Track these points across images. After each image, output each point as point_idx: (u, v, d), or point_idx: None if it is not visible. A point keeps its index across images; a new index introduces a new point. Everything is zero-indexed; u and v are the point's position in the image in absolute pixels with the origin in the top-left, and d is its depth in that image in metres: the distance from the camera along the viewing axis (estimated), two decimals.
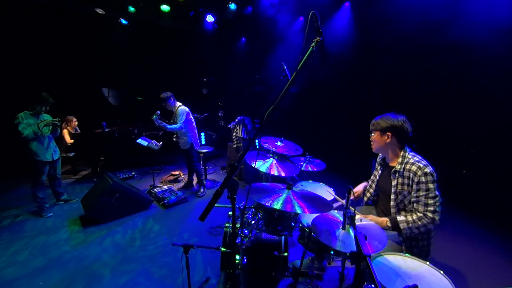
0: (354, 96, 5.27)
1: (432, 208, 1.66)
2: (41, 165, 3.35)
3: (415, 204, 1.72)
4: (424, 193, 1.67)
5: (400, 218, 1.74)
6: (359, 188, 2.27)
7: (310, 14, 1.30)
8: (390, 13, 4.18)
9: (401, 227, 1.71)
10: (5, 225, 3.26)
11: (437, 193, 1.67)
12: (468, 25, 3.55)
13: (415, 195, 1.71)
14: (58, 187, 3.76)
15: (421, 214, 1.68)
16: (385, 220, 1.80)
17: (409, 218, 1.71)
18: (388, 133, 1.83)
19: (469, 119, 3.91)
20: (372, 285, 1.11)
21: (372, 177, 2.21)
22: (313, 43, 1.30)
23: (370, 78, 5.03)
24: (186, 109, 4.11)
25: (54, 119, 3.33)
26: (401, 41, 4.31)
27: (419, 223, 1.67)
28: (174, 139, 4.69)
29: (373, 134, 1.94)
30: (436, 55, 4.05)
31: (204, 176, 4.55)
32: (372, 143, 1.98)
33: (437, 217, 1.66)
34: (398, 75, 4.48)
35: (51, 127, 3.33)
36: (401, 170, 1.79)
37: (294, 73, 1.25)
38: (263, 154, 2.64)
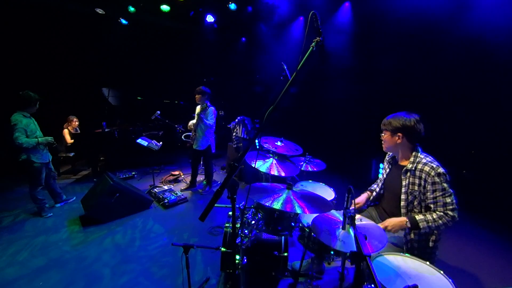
0: (354, 96, 5.27)
1: (451, 207, 1.66)
2: (40, 167, 3.34)
3: (433, 205, 1.71)
4: (441, 193, 1.67)
5: (419, 217, 1.71)
6: (361, 199, 2.22)
7: (310, 14, 1.29)
8: (391, 13, 4.18)
9: (421, 226, 1.69)
10: (5, 225, 3.25)
11: (452, 191, 1.68)
12: (468, 27, 3.55)
13: (431, 196, 1.70)
14: (55, 186, 3.72)
15: (442, 213, 1.67)
16: (404, 220, 1.75)
17: (429, 217, 1.69)
18: (399, 134, 1.81)
19: (469, 119, 3.91)
20: (372, 285, 1.11)
21: (380, 176, 2.19)
22: (313, 43, 1.30)
23: (371, 77, 5.03)
24: (214, 110, 4.15)
25: (50, 139, 3.34)
26: (401, 41, 4.31)
27: (440, 221, 1.66)
28: (183, 138, 4.66)
29: (383, 134, 1.92)
30: (437, 55, 4.06)
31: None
32: (382, 142, 1.96)
33: (456, 215, 1.67)
34: (398, 74, 4.49)
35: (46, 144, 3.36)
36: (413, 169, 1.77)
37: (294, 73, 1.25)
38: (263, 154, 2.64)
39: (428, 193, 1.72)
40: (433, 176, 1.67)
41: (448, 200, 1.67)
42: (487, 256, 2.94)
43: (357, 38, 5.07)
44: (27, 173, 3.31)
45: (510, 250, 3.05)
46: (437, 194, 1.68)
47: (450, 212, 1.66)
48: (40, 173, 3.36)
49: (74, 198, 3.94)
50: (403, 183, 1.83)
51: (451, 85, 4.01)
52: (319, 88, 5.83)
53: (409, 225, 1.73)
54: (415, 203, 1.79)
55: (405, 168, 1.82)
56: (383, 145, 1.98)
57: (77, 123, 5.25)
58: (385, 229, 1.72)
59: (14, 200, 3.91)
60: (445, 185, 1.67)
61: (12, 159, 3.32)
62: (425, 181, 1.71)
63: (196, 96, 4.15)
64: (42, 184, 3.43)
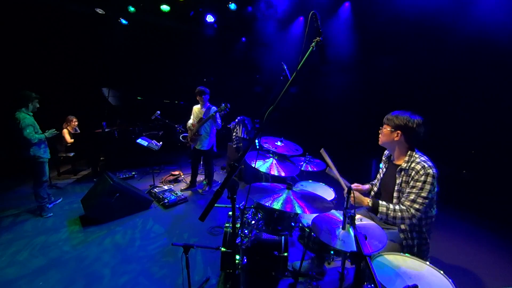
0: (354, 96, 5.27)
1: (417, 206, 1.66)
2: (45, 164, 3.41)
3: (402, 198, 1.74)
4: (416, 190, 1.68)
5: (382, 202, 1.76)
6: (363, 186, 2.26)
7: (310, 14, 1.29)
8: (391, 13, 4.18)
9: (379, 210, 1.73)
10: (5, 225, 3.25)
11: (430, 196, 1.65)
12: (469, 26, 3.55)
13: (408, 190, 1.73)
14: (48, 188, 3.73)
15: (404, 208, 1.69)
16: (367, 200, 1.81)
17: (391, 206, 1.73)
18: (398, 132, 1.81)
19: (469, 119, 3.91)
20: (372, 285, 1.12)
21: (377, 175, 2.19)
22: (313, 43, 1.30)
23: (370, 77, 5.03)
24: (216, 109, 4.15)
25: (53, 131, 3.44)
26: (401, 41, 4.32)
27: (399, 214, 1.68)
28: (181, 138, 4.67)
29: (383, 127, 1.92)
30: (437, 55, 4.06)
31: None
32: (380, 135, 1.95)
33: (417, 216, 1.66)
34: (398, 74, 4.49)
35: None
36: (407, 168, 1.78)
37: (294, 73, 1.25)
38: (263, 154, 2.64)
39: (407, 188, 1.74)
40: (420, 175, 1.68)
41: (419, 200, 1.66)
42: (487, 256, 2.94)
43: (357, 38, 5.07)
44: (33, 170, 3.35)
45: (510, 250, 3.05)
46: (413, 190, 1.69)
47: (412, 210, 1.67)
48: (45, 169, 3.41)
49: (61, 199, 3.95)
50: (397, 181, 1.84)
51: (452, 84, 4.01)
52: (319, 88, 5.83)
53: (370, 204, 1.78)
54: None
55: (399, 167, 1.83)
56: (379, 139, 1.97)
57: (76, 123, 5.25)
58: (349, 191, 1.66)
59: (15, 200, 3.91)
60: (427, 186, 1.65)
61: (14, 158, 3.35)
62: (411, 177, 1.73)
63: (199, 97, 4.14)
64: (47, 181, 3.48)
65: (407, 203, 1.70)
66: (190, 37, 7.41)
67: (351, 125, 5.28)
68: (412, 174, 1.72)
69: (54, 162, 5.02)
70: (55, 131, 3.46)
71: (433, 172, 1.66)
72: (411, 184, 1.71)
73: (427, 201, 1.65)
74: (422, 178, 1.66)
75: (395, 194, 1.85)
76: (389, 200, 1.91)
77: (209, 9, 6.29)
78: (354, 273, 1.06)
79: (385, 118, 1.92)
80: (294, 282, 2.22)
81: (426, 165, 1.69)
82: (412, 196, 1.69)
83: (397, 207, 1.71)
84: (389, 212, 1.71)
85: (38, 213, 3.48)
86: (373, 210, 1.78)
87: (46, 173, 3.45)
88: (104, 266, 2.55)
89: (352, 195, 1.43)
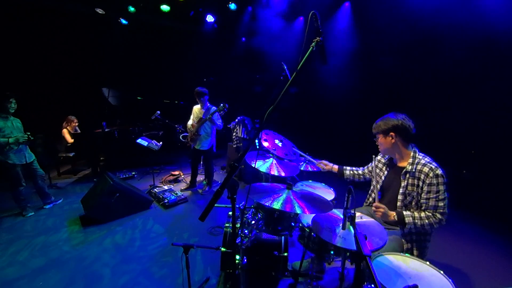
0: (354, 96, 5.27)
1: (441, 210, 1.68)
2: (15, 168, 3.31)
3: (424, 205, 1.73)
4: (434, 195, 1.68)
5: (406, 212, 1.74)
6: (331, 164, 2.37)
7: (310, 14, 1.29)
8: (391, 13, 4.18)
9: (406, 221, 1.71)
10: (5, 225, 3.25)
11: (446, 195, 1.69)
12: (469, 25, 3.55)
13: (425, 196, 1.72)
14: (43, 186, 3.69)
15: (430, 214, 1.69)
16: (392, 214, 1.77)
17: (416, 214, 1.71)
18: (392, 134, 1.84)
19: (469, 119, 3.91)
20: (372, 285, 1.11)
21: (377, 177, 2.17)
22: (313, 43, 1.29)
23: (370, 78, 5.03)
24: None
25: (24, 136, 3.26)
26: (401, 41, 4.31)
27: (426, 221, 1.68)
28: (181, 138, 4.67)
29: (377, 138, 1.95)
30: (437, 55, 4.05)
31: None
32: (378, 146, 1.98)
33: (444, 219, 1.68)
34: (398, 75, 4.49)
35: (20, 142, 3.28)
36: (413, 170, 1.78)
37: (294, 73, 1.25)
38: (263, 154, 2.64)
39: (423, 194, 1.73)
40: (431, 177, 1.68)
41: (441, 204, 1.68)
42: (487, 256, 2.94)
43: (357, 38, 5.07)
44: (6, 173, 3.31)
45: (510, 250, 3.05)
46: (431, 196, 1.70)
47: (438, 215, 1.68)
48: (16, 174, 3.34)
49: (62, 199, 3.94)
50: (402, 184, 1.83)
51: (452, 84, 4.01)
52: (319, 88, 5.82)
53: (396, 218, 1.75)
54: (413, 203, 1.80)
55: (404, 169, 1.82)
56: (379, 149, 1.99)
57: (76, 124, 5.25)
58: (377, 207, 1.74)
59: None
60: (441, 187, 1.67)
61: None
62: (423, 181, 1.72)
63: (199, 99, 4.14)
64: (22, 185, 3.42)
65: (430, 210, 1.70)
66: (190, 37, 7.41)
67: (351, 124, 5.28)
68: (422, 177, 1.72)
69: (54, 162, 5.02)
70: (23, 139, 3.24)
71: (441, 172, 1.68)
72: (425, 189, 1.71)
73: (446, 200, 1.68)
74: (434, 181, 1.67)
75: (399, 197, 1.84)
76: (392, 202, 1.91)
77: (209, 9, 6.29)
78: (354, 273, 1.06)
79: (373, 128, 1.95)
80: (294, 282, 2.23)
81: (433, 166, 1.70)
82: (432, 202, 1.69)
83: (422, 214, 1.70)
84: (416, 221, 1.69)
85: (20, 213, 3.48)
86: (400, 223, 1.75)
87: (19, 179, 3.36)
88: (104, 266, 2.54)
89: (351, 194, 1.43)
